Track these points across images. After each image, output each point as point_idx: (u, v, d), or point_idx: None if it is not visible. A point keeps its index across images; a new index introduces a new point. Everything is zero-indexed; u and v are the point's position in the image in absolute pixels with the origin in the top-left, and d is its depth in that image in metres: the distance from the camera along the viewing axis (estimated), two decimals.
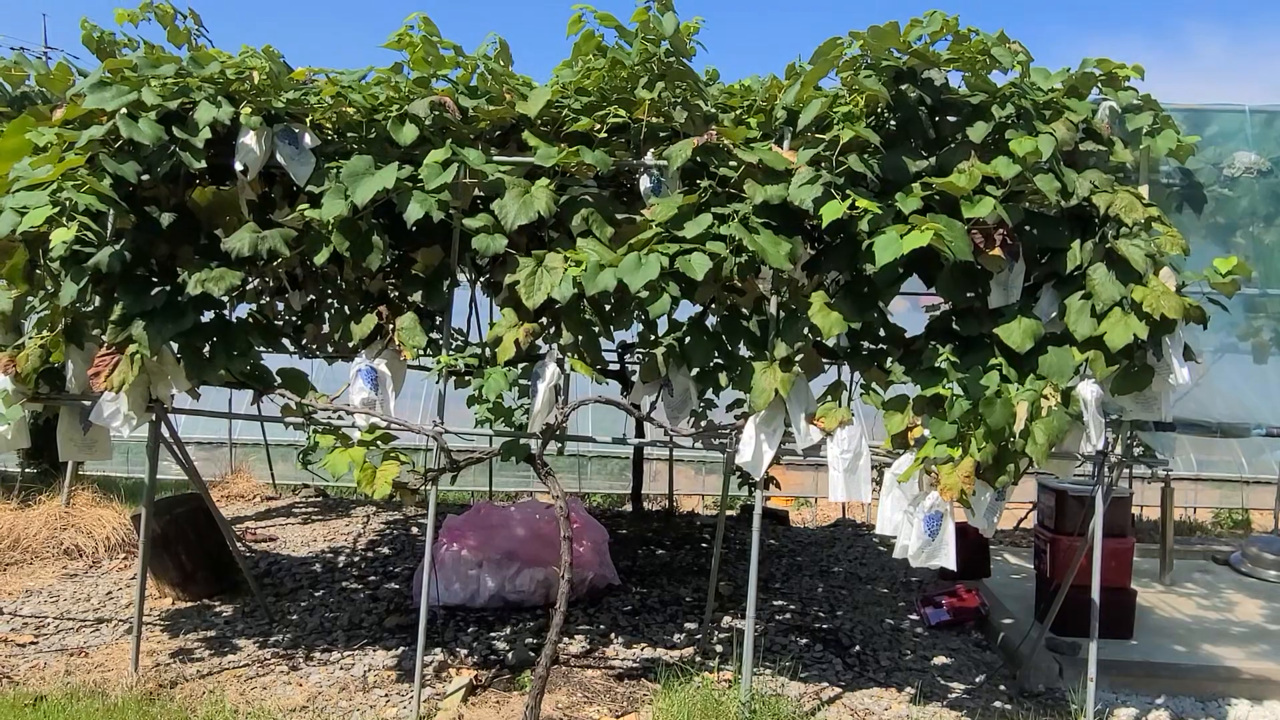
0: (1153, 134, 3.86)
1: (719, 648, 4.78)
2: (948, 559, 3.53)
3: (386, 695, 4.13)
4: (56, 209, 3.40)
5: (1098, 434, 3.56)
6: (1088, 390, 3.54)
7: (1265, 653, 4.78)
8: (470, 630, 4.97)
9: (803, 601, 5.73)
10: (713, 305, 4.28)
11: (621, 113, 3.86)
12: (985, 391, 3.46)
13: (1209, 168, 4.29)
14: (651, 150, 3.91)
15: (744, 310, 4.12)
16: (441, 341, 4.12)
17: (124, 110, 3.57)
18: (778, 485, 6.97)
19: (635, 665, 4.56)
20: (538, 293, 3.60)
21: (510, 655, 4.57)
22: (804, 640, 4.99)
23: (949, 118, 3.83)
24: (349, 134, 3.97)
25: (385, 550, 6.63)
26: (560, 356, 3.83)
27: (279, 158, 3.77)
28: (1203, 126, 4.31)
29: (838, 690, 4.35)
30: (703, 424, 4.63)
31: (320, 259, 3.73)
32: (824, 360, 4.25)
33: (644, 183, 3.91)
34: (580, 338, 3.82)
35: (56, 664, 4.38)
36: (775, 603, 5.68)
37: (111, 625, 4.97)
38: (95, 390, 3.82)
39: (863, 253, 3.52)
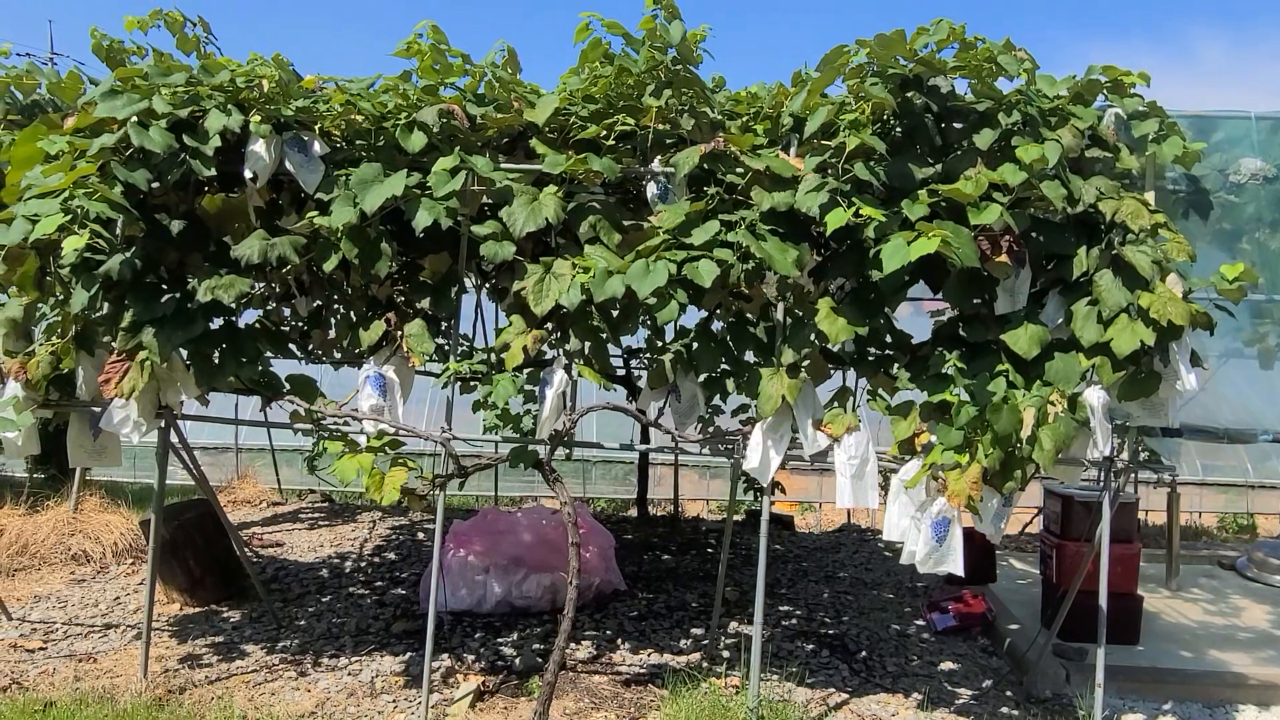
0: (1159, 140, 3.87)
1: (726, 653, 4.79)
2: (955, 565, 3.54)
3: (394, 701, 4.13)
4: (68, 217, 3.41)
5: (1104, 440, 3.57)
6: (1094, 396, 3.55)
7: (1272, 658, 4.78)
8: (477, 636, 4.97)
9: (809, 607, 5.73)
10: (718, 311, 4.29)
11: (629, 120, 3.87)
12: (992, 398, 3.47)
13: (1215, 174, 4.29)
14: (659, 157, 3.92)
15: (750, 316, 4.13)
16: (448, 347, 4.13)
17: (135, 118, 3.59)
18: (783, 490, 6.98)
19: (642, 671, 4.56)
20: (546, 299, 3.62)
21: (517, 661, 4.58)
22: (810, 646, 4.99)
23: (955, 125, 3.84)
24: (358, 141, 3.99)
25: (391, 555, 6.64)
26: (568, 363, 3.85)
27: (288, 165, 3.79)
28: (1208, 133, 4.32)
29: (845, 696, 4.35)
30: (710, 430, 4.64)
31: (329, 266, 3.75)
32: (830, 366, 4.26)
33: (651, 189, 3.93)
34: (588, 344, 3.84)
35: (65, 670, 4.40)
36: (781, 608, 5.68)
37: (120, 631, 4.98)
38: (105, 397, 3.84)
39: (869, 259, 3.54)
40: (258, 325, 4.23)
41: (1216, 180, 4.30)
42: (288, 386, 4.15)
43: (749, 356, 3.99)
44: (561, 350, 3.91)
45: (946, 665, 4.81)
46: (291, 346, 5.09)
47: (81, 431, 4.26)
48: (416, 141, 3.78)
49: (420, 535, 7.27)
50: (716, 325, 4.20)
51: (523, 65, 4.29)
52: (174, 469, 4.58)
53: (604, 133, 3.87)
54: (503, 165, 3.90)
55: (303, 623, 5.13)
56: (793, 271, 3.60)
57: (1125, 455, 3.91)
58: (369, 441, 3.81)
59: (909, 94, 3.74)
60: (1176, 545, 6.24)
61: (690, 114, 3.90)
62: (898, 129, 3.82)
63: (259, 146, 3.74)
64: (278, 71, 3.90)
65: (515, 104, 4.01)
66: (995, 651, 5.06)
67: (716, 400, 4.46)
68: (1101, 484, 3.89)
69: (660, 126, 3.90)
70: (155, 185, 3.73)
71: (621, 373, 6.48)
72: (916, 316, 5.08)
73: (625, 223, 3.91)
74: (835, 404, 3.97)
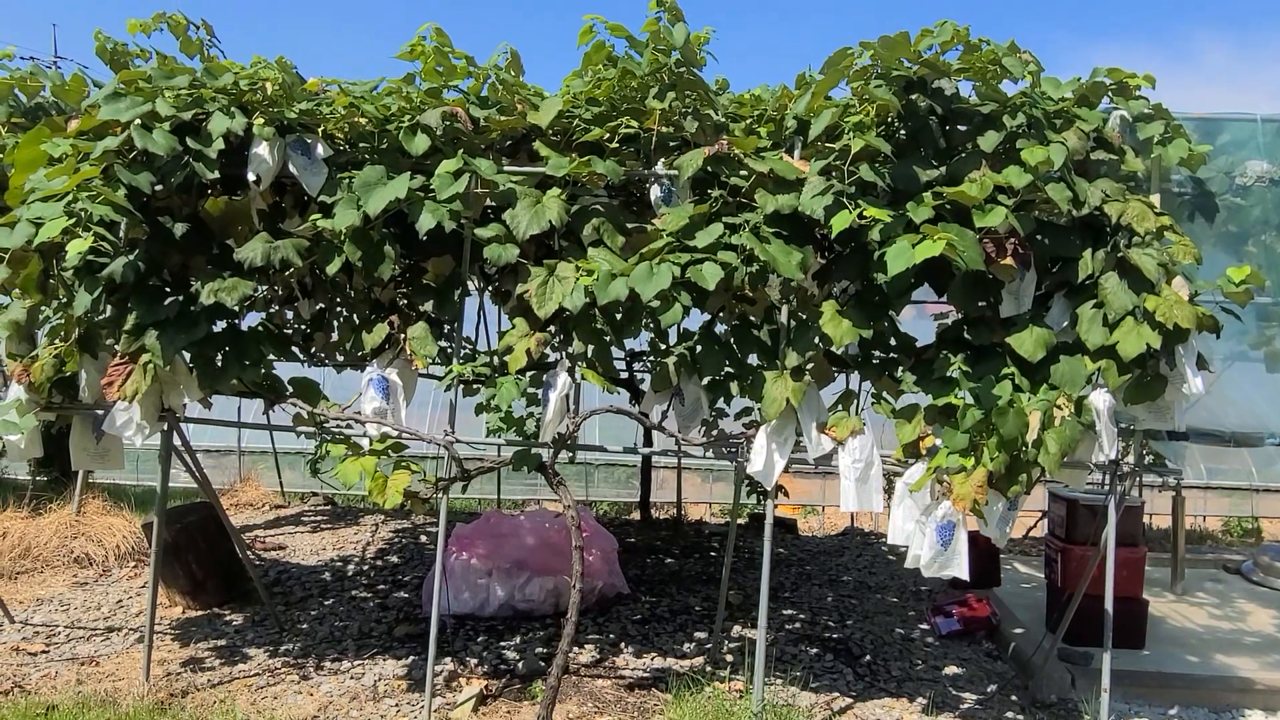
0: (1164, 143, 3.85)
1: (729, 657, 4.77)
2: (960, 569, 3.52)
3: (397, 705, 4.12)
4: (71, 220, 3.41)
5: (1110, 444, 3.56)
6: (1100, 400, 3.53)
7: (1279, 663, 4.75)
8: (480, 639, 4.96)
9: (812, 611, 5.71)
10: (720, 314, 4.28)
11: (632, 123, 3.86)
12: (998, 401, 3.45)
13: (1221, 176, 4.28)
14: (662, 160, 3.92)
15: (754, 319, 4.12)
16: (451, 350, 4.13)
17: (138, 121, 3.59)
18: (786, 494, 6.96)
19: (646, 675, 4.55)
20: (549, 302, 3.61)
21: (520, 665, 4.57)
22: (814, 650, 4.97)
23: (960, 127, 3.84)
24: (361, 144, 3.99)
25: (394, 559, 6.63)
26: (571, 366, 3.84)
27: (291, 168, 3.79)
28: (1214, 135, 4.30)
29: (849, 701, 4.33)
30: (714, 433, 4.63)
31: (332, 269, 3.74)
32: (835, 369, 4.25)
33: (655, 192, 3.92)
34: (592, 347, 3.83)
35: (68, 673, 4.39)
36: (785, 612, 5.66)
37: (122, 634, 4.97)
38: (108, 400, 3.84)
39: (874, 262, 3.53)
40: (261, 328, 4.22)
41: (1222, 183, 4.28)
42: (291, 390, 4.14)
43: (752, 359, 3.98)
44: (564, 353, 3.90)
45: (951, 670, 4.79)
46: (294, 349, 5.09)
47: (84, 434, 4.25)
48: (420, 144, 3.77)
49: (423, 538, 7.26)
50: (720, 328, 4.19)
51: (524, 62, 4.28)
52: (176, 471, 4.57)
53: (607, 135, 3.87)
54: (506, 168, 3.90)
55: (305, 626, 5.12)
56: (797, 274, 3.59)
57: (1131, 459, 3.89)
58: (372, 445, 3.80)
59: (913, 96, 3.74)
60: (1182, 549, 6.22)
61: (694, 116, 3.89)
62: (902, 131, 3.82)
63: (262, 149, 3.74)
64: (281, 74, 3.90)
65: (519, 106, 4.00)
66: (1000, 656, 5.04)
67: (720, 403, 4.45)
68: (1107, 488, 3.87)
69: (664, 129, 3.90)
70: (158, 188, 3.73)
71: (624, 375, 6.46)
72: (919, 318, 5.07)
73: (629, 225, 3.91)
74: (839, 407, 3.96)
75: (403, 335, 3.97)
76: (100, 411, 4.07)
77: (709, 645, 4.94)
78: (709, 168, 3.73)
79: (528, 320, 3.81)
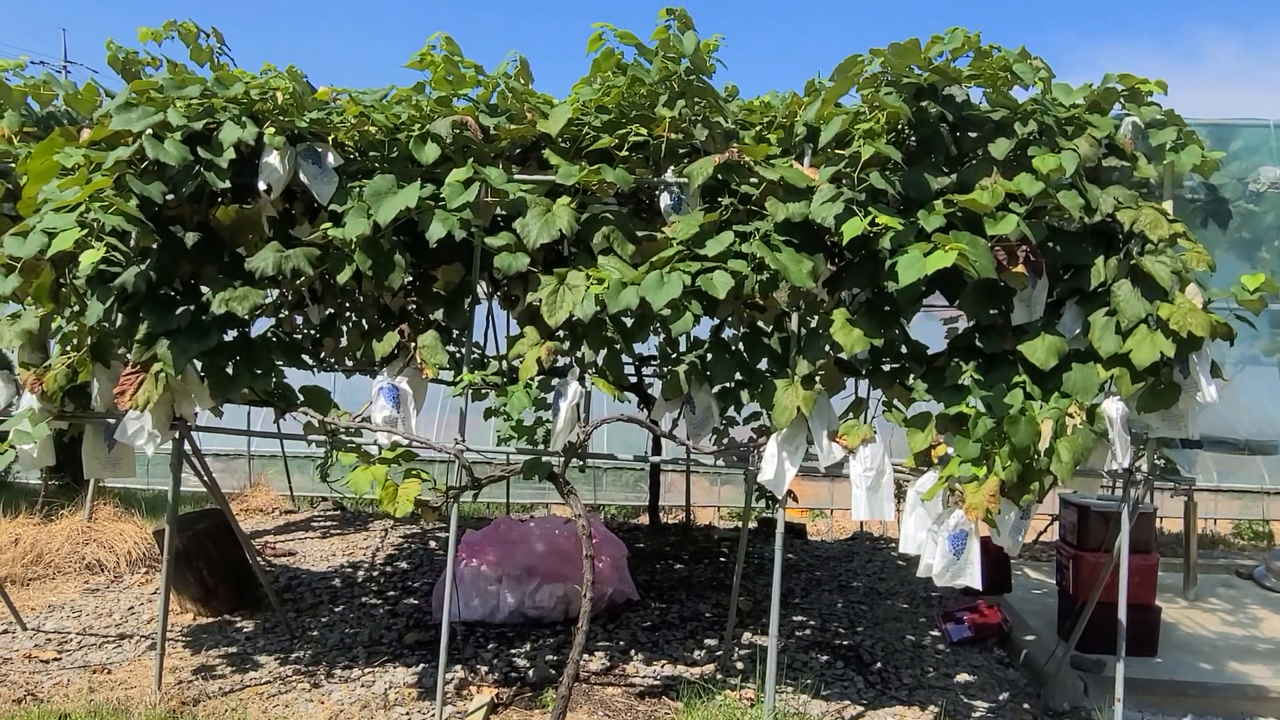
0: (1176, 149, 3.84)
1: (740, 665, 4.76)
2: (972, 578, 3.50)
3: (408, 713, 4.12)
4: (84, 230, 3.42)
5: (1123, 452, 3.54)
6: (1113, 408, 3.52)
7: None
8: (490, 647, 4.96)
9: (822, 617, 5.70)
10: (729, 320, 4.27)
11: (642, 130, 3.86)
12: (1009, 409, 3.44)
13: (1234, 183, 4.26)
14: (672, 168, 3.91)
15: (765, 327, 4.11)
16: (461, 358, 4.13)
17: (150, 131, 3.60)
18: (795, 499, 6.94)
19: (656, 683, 4.54)
20: (560, 310, 3.61)
21: (531, 673, 4.56)
22: (825, 657, 4.96)
23: (970, 134, 3.82)
24: (371, 153, 4.00)
25: (404, 565, 6.64)
26: (581, 374, 3.84)
27: (302, 177, 3.79)
28: (1227, 141, 4.29)
29: (860, 709, 4.31)
30: (724, 441, 4.62)
31: (343, 277, 3.75)
32: (845, 377, 4.24)
33: (665, 200, 3.92)
34: (602, 355, 3.83)
35: (80, 681, 4.40)
36: (795, 618, 5.65)
37: (134, 641, 4.99)
38: (120, 408, 3.85)
39: (885, 269, 3.51)
40: (272, 337, 4.23)
41: (1235, 189, 4.26)
42: (302, 398, 4.15)
43: (763, 366, 3.97)
44: (575, 361, 3.89)
45: (963, 677, 4.77)
46: (304, 356, 5.10)
47: (96, 443, 4.27)
48: (430, 153, 3.77)
49: (432, 544, 7.27)
50: (729, 332, 4.19)
51: (532, 67, 4.28)
52: (186, 475, 4.58)
53: (617, 143, 3.87)
54: (516, 176, 3.90)
55: (315, 633, 5.13)
56: (807, 282, 3.58)
57: (1144, 466, 3.87)
58: (382, 453, 3.81)
59: (924, 103, 3.72)
60: (1194, 555, 6.18)
61: (704, 124, 3.89)
62: (912, 139, 3.81)
63: (273, 158, 3.75)
64: (291, 83, 3.91)
65: (528, 114, 4.01)
66: (1011, 663, 5.02)
67: (730, 411, 4.45)
68: (1121, 496, 3.85)
69: (673, 136, 3.90)
70: (170, 197, 3.74)
71: (633, 380, 6.46)
72: (928, 323, 5.05)
73: (639, 234, 3.91)
74: (850, 415, 3.95)
75: (413, 344, 3.98)
76: (112, 420, 4.09)
77: (720, 652, 4.93)
78: (719, 175, 3.72)
79: (538, 328, 3.81)
